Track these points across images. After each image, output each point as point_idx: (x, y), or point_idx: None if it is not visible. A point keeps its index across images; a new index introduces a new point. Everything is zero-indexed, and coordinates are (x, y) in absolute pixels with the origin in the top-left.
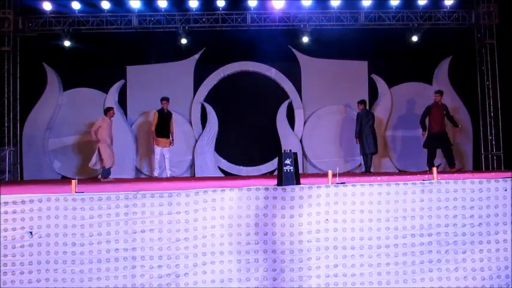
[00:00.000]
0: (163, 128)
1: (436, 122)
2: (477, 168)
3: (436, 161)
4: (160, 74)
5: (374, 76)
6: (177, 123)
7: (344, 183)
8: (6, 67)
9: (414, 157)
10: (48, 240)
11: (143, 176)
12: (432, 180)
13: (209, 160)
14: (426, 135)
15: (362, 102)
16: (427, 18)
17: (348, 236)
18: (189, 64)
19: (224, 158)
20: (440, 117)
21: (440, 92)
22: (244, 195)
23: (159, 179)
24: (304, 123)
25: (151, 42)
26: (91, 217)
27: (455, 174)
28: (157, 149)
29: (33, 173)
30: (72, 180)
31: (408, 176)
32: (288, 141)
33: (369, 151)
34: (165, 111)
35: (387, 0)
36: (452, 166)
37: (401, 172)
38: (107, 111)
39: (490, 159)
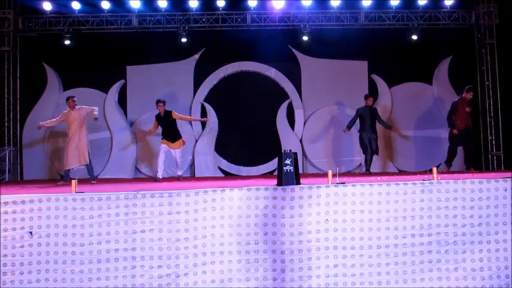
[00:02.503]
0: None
1: (462, 118)
2: (477, 168)
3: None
4: (160, 74)
5: (374, 76)
6: (178, 123)
7: (344, 183)
8: (6, 67)
9: (414, 157)
10: (48, 240)
11: (143, 176)
12: (432, 180)
13: (209, 160)
14: (450, 131)
15: (369, 96)
16: (427, 18)
17: (348, 236)
18: (189, 64)
19: (224, 158)
20: (465, 114)
21: (472, 89)
22: (244, 195)
23: (159, 179)
24: (304, 123)
25: (151, 42)
26: (91, 217)
27: (455, 174)
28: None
29: (33, 173)
30: (72, 180)
31: (408, 176)
32: (288, 141)
33: (376, 150)
34: (162, 114)
35: (387, 0)
36: (468, 167)
37: (401, 172)
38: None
39: (490, 159)
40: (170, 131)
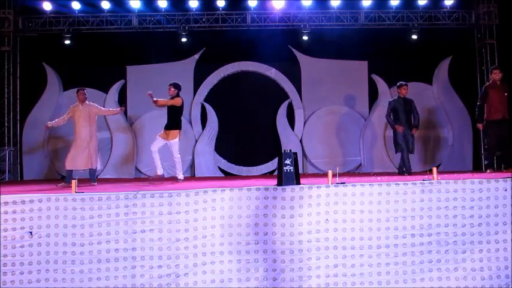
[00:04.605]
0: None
1: (496, 106)
2: (477, 168)
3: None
4: (160, 74)
5: (374, 76)
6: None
7: (344, 183)
8: (6, 67)
9: (414, 157)
10: (48, 240)
11: (143, 176)
12: (432, 180)
13: (209, 160)
14: (483, 125)
15: (406, 84)
16: (427, 18)
17: (348, 236)
18: (189, 64)
19: (224, 158)
20: (501, 100)
21: (499, 68)
22: (244, 195)
23: (159, 179)
24: (304, 123)
25: (151, 42)
26: (91, 217)
27: (455, 174)
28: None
29: (33, 173)
30: (72, 180)
31: (408, 176)
32: (288, 141)
33: (412, 149)
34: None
35: (387, 0)
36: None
37: None
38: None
39: None
40: (168, 117)
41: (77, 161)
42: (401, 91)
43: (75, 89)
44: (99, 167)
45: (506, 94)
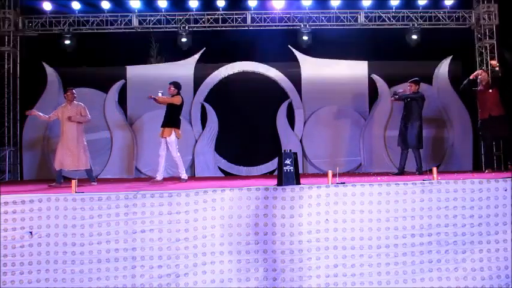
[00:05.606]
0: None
1: (486, 105)
2: (477, 168)
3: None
4: (160, 74)
5: (374, 76)
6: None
7: (344, 183)
8: (6, 67)
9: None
10: (48, 240)
11: (143, 176)
12: (432, 180)
13: (209, 160)
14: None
15: (415, 82)
16: (427, 18)
17: (348, 236)
18: (189, 64)
19: (224, 158)
20: (488, 99)
21: (483, 70)
22: (244, 195)
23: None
24: (304, 123)
25: (152, 42)
26: (91, 217)
27: (455, 174)
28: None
29: (33, 173)
30: (72, 180)
31: (408, 176)
32: (288, 141)
33: (411, 144)
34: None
35: (387, 0)
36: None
37: None
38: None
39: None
40: (164, 115)
41: (65, 161)
42: (410, 88)
43: (76, 89)
44: (88, 166)
45: (491, 91)
